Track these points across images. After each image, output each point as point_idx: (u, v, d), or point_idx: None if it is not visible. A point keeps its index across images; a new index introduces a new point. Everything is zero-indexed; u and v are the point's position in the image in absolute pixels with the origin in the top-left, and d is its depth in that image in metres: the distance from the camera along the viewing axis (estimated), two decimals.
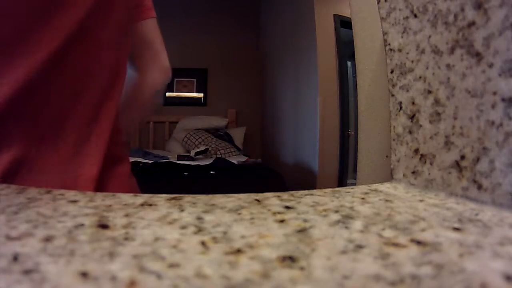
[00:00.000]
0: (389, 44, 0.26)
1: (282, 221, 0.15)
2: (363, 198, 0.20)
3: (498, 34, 0.18)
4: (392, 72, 0.26)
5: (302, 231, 0.14)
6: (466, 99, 0.20)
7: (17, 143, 0.29)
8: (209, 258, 0.12)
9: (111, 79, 0.36)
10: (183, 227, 0.14)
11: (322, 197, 0.20)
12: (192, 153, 2.54)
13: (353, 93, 2.26)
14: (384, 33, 0.27)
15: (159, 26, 0.52)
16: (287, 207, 0.17)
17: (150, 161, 2.23)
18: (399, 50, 0.25)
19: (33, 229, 0.13)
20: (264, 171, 2.16)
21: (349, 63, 2.29)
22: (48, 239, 0.13)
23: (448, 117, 0.21)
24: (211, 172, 2.03)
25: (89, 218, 0.15)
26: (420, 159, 0.23)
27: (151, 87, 0.52)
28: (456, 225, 0.15)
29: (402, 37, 0.25)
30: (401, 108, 0.25)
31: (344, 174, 2.24)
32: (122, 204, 0.17)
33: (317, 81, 2.20)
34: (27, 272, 0.10)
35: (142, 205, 0.17)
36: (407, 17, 0.24)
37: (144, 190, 0.34)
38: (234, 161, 2.33)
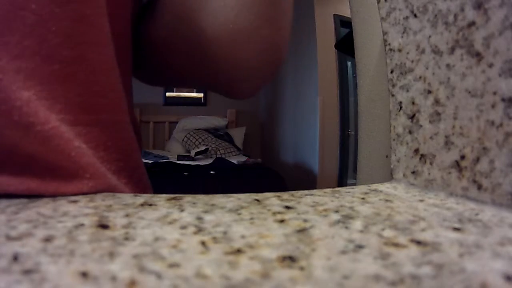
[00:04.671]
0: (389, 44, 0.26)
1: (282, 221, 0.15)
2: (363, 198, 0.20)
3: (498, 34, 0.18)
4: (392, 72, 0.26)
5: (302, 231, 0.14)
6: (466, 99, 0.20)
7: None
8: (209, 258, 0.12)
9: None
10: (183, 227, 0.14)
11: (322, 197, 0.20)
12: (192, 153, 2.55)
13: (353, 93, 2.26)
14: (384, 33, 0.27)
15: None
16: (287, 207, 0.17)
17: (150, 161, 2.23)
18: (399, 50, 0.25)
19: (33, 229, 0.13)
20: (264, 171, 2.16)
21: (349, 63, 2.29)
22: (48, 239, 0.13)
23: (448, 117, 0.21)
24: (211, 172, 2.03)
25: (89, 218, 0.15)
26: (420, 159, 0.23)
27: None
28: (456, 225, 0.15)
29: (402, 37, 0.25)
30: (401, 108, 0.25)
31: (344, 174, 2.24)
32: (122, 204, 0.17)
33: (317, 81, 2.20)
34: (27, 272, 0.10)
35: (142, 205, 0.17)
36: (407, 17, 0.24)
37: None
38: (234, 161, 2.33)
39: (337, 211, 0.17)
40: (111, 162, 0.22)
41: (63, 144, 0.19)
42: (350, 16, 0.47)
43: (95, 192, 0.19)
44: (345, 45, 1.07)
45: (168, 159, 2.43)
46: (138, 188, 0.26)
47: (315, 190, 0.21)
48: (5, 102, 0.18)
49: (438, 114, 0.22)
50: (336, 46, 1.18)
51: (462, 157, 0.20)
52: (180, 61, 0.28)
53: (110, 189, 0.20)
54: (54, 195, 0.18)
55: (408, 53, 0.24)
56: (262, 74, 0.29)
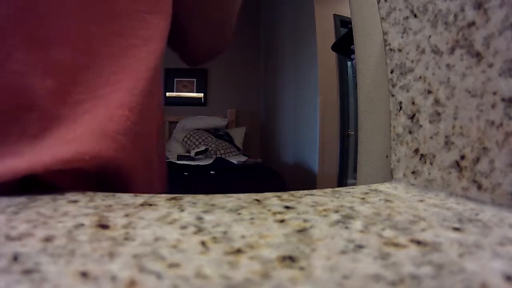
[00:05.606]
0: (389, 44, 0.26)
1: (282, 221, 0.15)
2: (363, 198, 0.20)
3: (498, 34, 0.18)
4: (392, 72, 0.26)
5: (302, 231, 0.14)
6: (466, 99, 0.20)
7: None
8: (209, 258, 0.12)
9: None
10: (183, 227, 0.14)
11: (322, 197, 0.20)
12: (192, 153, 2.54)
13: (353, 93, 2.26)
14: (384, 33, 0.27)
15: None
16: (287, 207, 0.17)
17: None
18: (399, 50, 0.25)
19: (33, 229, 0.13)
20: (264, 171, 2.16)
21: (349, 63, 2.29)
22: (48, 239, 0.13)
23: (448, 117, 0.21)
24: (211, 172, 2.03)
25: (89, 218, 0.15)
26: (420, 159, 0.23)
27: None
28: (456, 225, 0.15)
29: (402, 37, 0.25)
30: (401, 108, 0.25)
31: (344, 174, 2.24)
32: (122, 204, 0.17)
33: (317, 81, 2.20)
34: (27, 272, 0.10)
35: (142, 205, 0.17)
36: (407, 17, 0.24)
37: None
38: (234, 161, 2.33)
39: (337, 211, 0.17)
40: (132, 124, 0.23)
41: (69, 122, 0.21)
42: (350, 16, 0.47)
43: (94, 155, 0.20)
44: (341, 47, 1.07)
45: (168, 159, 2.43)
46: (156, 165, 0.29)
47: (315, 190, 0.21)
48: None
49: (438, 114, 0.22)
50: (333, 47, 1.18)
51: (462, 157, 0.20)
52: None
53: (110, 151, 0.21)
54: (50, 164, 0.19)
55: (408, 53, 0.24)
56: (212, 48, 0.45)
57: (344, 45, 1.03)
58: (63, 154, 0.19)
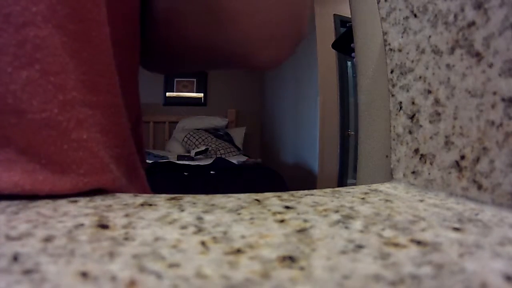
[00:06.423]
0: (389, 44, 0.26)
1: (282, 221, 0.15)
2: (363, 198, 0.20)
3: (498, 34, 0.18)
4: (392, 72, 0.26)
5: (302, 231, 0.14)
6: (466, 99, 0.20)
7: None
8: (209, 258, 0.12)
9: None
10: (183, 227, 0.14)
11: (322, 197, 0.20)
12: (192, 153, 2.55)
13: (353, 93, 2.26)
14: (384, 33, 0.27)
15: None
16: (287, 207, 0.17)
17: (150, 161, 2.23)
18: (399, 50, 0.25)
19: (33, 229, 0.13)
20: (264, 171, 2.16)
21: (349, 63, 2.29)
22: (48, 239, 0.13)
23: (448, 117, 0.21)
24: (211, 172, 2.03)
25: (89, 218, 0.15)
26: (420, 159, 0.23)
27: None
28: (456, 225, 0.15)
29: (402, 37, 0.25)
30: (401, 108, 0.25)
31: (344, 174, 2.24)
32: (122, 204, 0.17)
33: (317, 81, 2.20)
34: (27, 272, 0.10)
35: (142, 205, 0.17)
36: (407, 17, 0.24)
37: None
38: (234, 161, 2.33)
39: (337, 211, 0.17)
40: (112, 149, 0.22)
41: (56, 135, 0.18)
42: (350, 16, 0.47)
43: (92, 189, 0.19)
44: (342, 45, 1.07)
45: (168, 159, 2.43)
46: (135, 177, 0.26)
47: (315, 190, 0.21)
48: None
49: (438, 114, 0.22)
50: (333, 45, 1.18)
51: (462, 157, 0.20)
52: (193, 30, 0.28)
53: (108, 184, 0.20)
54: (49, 194, 0.18)
55: (408, 53, 0.24)
56: (282, 42, 0.29)
57: (345, 43, 1.03)
58: (60, 188, 0.18)
